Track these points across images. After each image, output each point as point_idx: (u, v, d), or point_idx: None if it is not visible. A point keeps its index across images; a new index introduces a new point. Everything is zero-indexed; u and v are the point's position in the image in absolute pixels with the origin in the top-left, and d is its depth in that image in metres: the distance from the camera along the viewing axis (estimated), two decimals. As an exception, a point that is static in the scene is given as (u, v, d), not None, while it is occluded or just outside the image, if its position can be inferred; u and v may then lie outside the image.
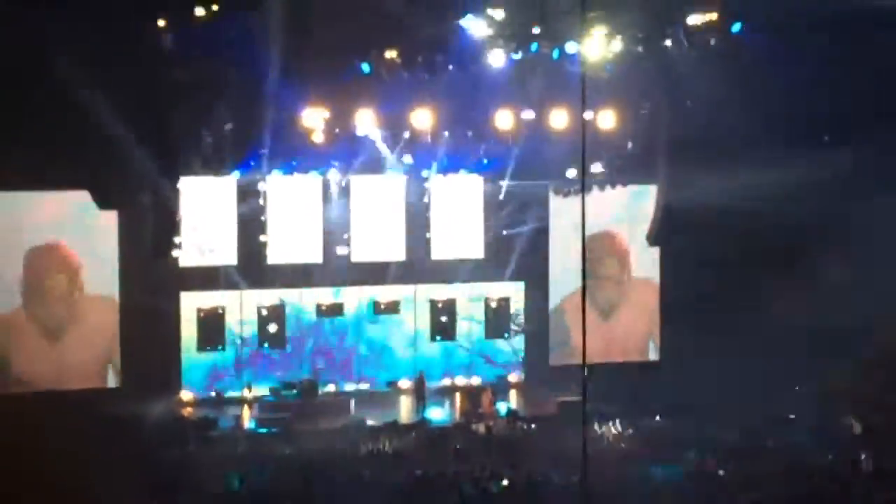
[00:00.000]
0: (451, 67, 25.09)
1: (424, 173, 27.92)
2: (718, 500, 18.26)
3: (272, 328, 27.50)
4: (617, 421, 22.52)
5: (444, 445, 22.42)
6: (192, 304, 27.00)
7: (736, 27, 25.00)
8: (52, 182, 24.88)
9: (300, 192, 27.55)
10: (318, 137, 25.66)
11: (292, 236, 27.55)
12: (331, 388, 27.06)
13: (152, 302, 25.62)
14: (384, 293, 28.20)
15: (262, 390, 26.85)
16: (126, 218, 25.79)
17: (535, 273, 28.70)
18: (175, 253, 26.10)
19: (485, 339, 28.84)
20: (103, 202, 25.49)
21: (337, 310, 27.93)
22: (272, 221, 27.39)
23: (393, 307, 28.28)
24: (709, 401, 23.52)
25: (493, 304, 28.98)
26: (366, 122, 25.67)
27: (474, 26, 24.45)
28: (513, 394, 27.94)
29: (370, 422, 24.71)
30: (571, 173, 27.29)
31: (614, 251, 29.19)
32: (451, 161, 27.51)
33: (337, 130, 25.82)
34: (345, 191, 27.68)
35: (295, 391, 26.35)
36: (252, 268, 27.18)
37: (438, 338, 28.59)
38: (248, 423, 25.34)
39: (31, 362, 25.44)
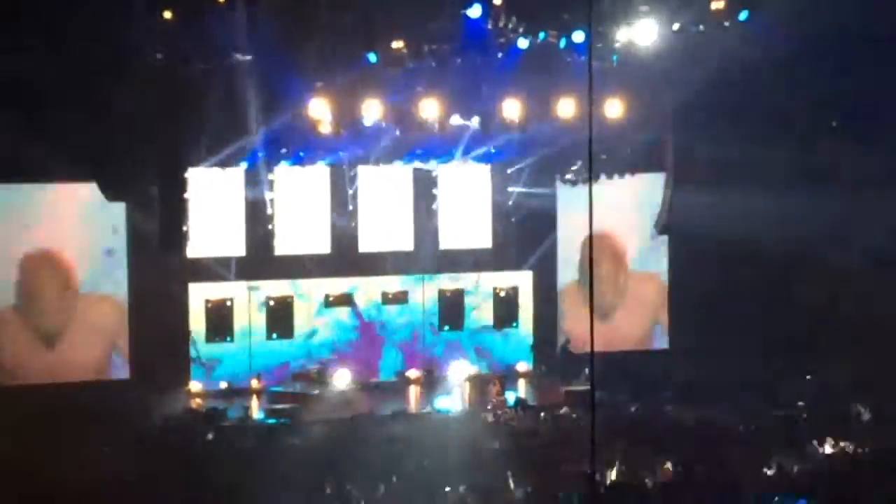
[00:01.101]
0: (457, 57, 25.07)
1: (432, 163, 27.94)
2: (724, 490, 18.21)
3: (280, 318, 27.50)
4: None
5: (453, 434, 22.42)
6: (200, 294, 27.02)
7: (744, 15, 24.92)
8: (60, 174, 24.90)
9: (308, 182, 27.56)
10: (325, 128, 25.64)
11: (300, 227, 27.57)
12: (340, 378, 27.03)
13: (160, 293, 25.74)
14: (392, 283, 28.23)
15: (270, 381, 26.91)
16: (134, 209, 25.83)
17: (543, 262, 28.69)
18: (183, 244, 26.12)
19: (494, 329, 28.87)
20: (111, 194, 25.54)
21: (345, 300, 27.95)
22: (280, 212, 27.41)
23: (401, 297, 28.30)
24: (716, 389, 23.59)
25: (502, 294, 28.97)
26: (373, 112, 25.63)
27: (481, 16, 24.40)
28: (521, 383, 27.96)
29: (379, 411, 24.76)
30: (579, 162, 27.29)
31: (612, 252, 28.95)
32: (459, 150, 27.52)
33: (344, 121, 25.79)
34: (352, 181, 27.68)
35: (304, 382, 26.41)
36: (260, 259, 27.21)
37: (447, 328, 28.59)
38: (256, 413, 25.36)
39: (34, 356, 25.47)
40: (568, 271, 28.51)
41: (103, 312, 26.05)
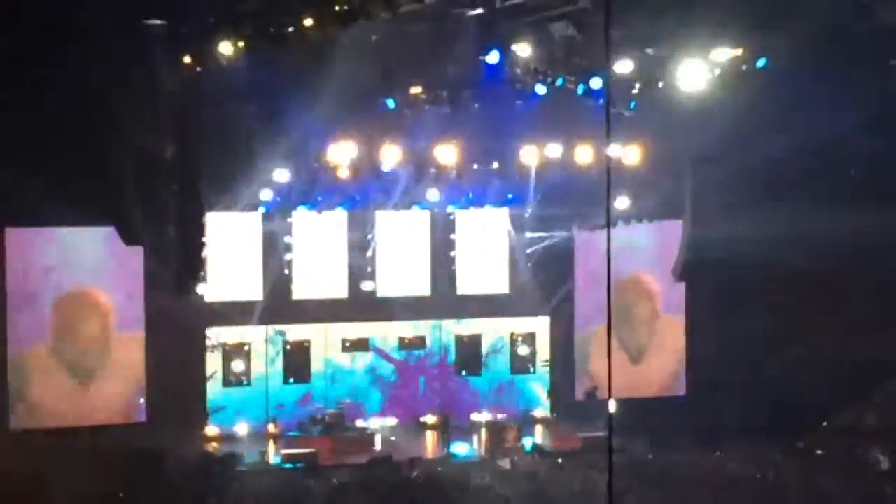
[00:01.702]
0: (475, 103, 25.11)
1: (450, 208, 27.99)
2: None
3: (297, 363, 27.51)
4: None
5: (469, 480, 22.35)
6: (217, 339, 27.03)
7: (762, 62, 24.90)
8: (79, 218, 24.95)
9: (326, 227, 27.62)
10: (343, 173, 25.70)
11: (318, 271, 27.61)
12: (356, 423, 27.00)
13: (178, 337, 25.74)
14: (409, 328, 28.23)
15: (287, 425, 26.87)
16: (152, 253, 25.85)
17: (560, 308, 28.65)
18: (201, 288, 26.12)
19: (511, 374, 28.82)
20: (130, 238, 25.56)
21: (362, 345, 27.95)
22: (298, 257, 27.46)
23: (419, 342, 28.29)
24: (734, 435, 23.45)
25: (520, 339, 28.97)
26: (391, 157, 25.68)
27: (499, 62, 24.44)
28: (538, 429, 27.86)
29: (395, 457, 24.68)
30: (597, 208, 27.22)
31: (645, 295, 28.92)
32: (477, 196, 27.56)
33: (362, 166, 25.85)
34: (370, 226, 27.75)
35: (320, 426, 26.38)
36: (278, 303, 27.24)
37: (464, 373, 28.57)
38: (273, 458, 25.29)
39: (60, 398, 25.45)
40: (592, 316, 28.32)
41: (124, 357, 26.03)
